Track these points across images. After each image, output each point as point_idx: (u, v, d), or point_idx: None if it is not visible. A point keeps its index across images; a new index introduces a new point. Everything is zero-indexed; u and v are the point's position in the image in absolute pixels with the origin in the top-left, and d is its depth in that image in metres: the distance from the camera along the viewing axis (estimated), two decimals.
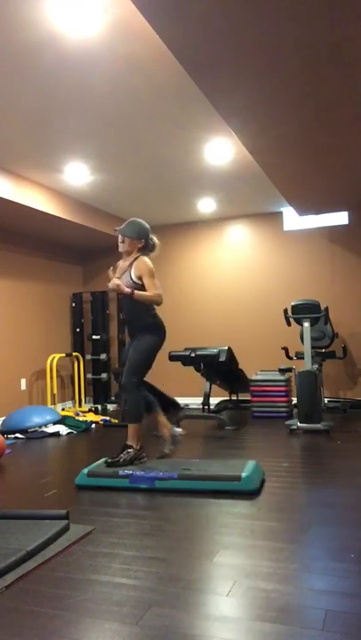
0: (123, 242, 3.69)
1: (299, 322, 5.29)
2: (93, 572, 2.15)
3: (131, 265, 3.64)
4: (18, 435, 5.28)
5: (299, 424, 4.89)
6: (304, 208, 5.81)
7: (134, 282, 3.59)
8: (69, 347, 7.40)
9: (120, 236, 3.69)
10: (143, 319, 3.69)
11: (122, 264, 3.77)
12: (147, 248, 3.74)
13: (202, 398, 6.36)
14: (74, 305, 7.42)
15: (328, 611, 1.78)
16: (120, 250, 3.73)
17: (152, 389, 6.53)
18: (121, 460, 3.53)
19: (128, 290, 3.53)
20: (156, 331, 3.71)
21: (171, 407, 6.80)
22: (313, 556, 2.23)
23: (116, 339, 7.37)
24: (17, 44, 2.79)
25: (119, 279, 3.63)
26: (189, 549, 2.34)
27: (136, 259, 3.65)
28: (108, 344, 7.42)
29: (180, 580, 2.04)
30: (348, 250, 6.45)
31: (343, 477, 3.39)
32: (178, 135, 4.13)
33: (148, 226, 3.74)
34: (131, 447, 3.61)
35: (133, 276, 3.60)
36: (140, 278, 3.59)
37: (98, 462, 3.61)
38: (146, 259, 3.65)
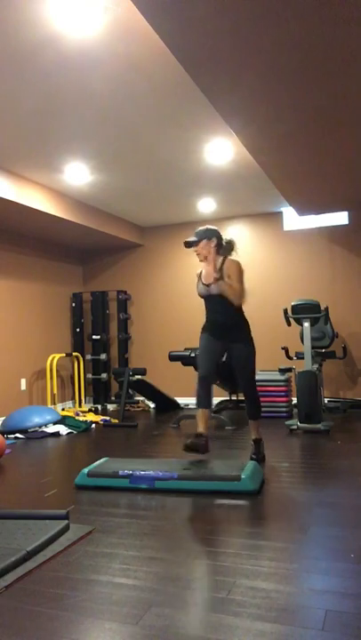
0: (195, 248, 3.76)
1: (299, 322, 5.29)
2: (93, 572, 2.15)
3: (221, 268, 3.70)
4: (18, 435, 5.28)
5: (299, 424, 4.89)
6: (304, 208, 5.81)
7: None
8: (69, 347, 7.40)
9: (195, 245, 3.74)
10: (243, 323, 3.88)
11: (208, 269, 3.77)
12: (224, 248, 3.79)
13: None
14: (74, 305, 7.42)
15: (328, 611, 1.78)
16: (200, 259, 3.78)
17: (152, 389, 6.55)
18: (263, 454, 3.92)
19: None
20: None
21: (171, 407, 6.81)
22: (313, 556, 2.23)
23: (116, 339, 7.37)
24: (17, 44, 2.79)
25: (208, 286, 3.74)
26: (189, 549, 2.34)
27: (225, 260, 3.72)
28: (108, 344, 7.42)
29: (180, 580, 2.04)
30: (349, 250, 6.45)
31: (343, 477, 3.39)
32: (178, 135, 4.13)
33: (215, 227, 3.82)
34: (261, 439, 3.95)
35: (226, 277, 3.69)
36: (230, 277, 3.69)
37: (98, 462, 3.61)
38: (234, 259, 3.75)
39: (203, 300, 3.86)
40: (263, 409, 5.88)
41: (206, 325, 3.87)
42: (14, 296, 6.30)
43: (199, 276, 3.86)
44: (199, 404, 3.75)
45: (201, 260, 3.79)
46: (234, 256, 3.81)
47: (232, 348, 3.81)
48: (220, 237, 3.78)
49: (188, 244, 3.75)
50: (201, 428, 3.65)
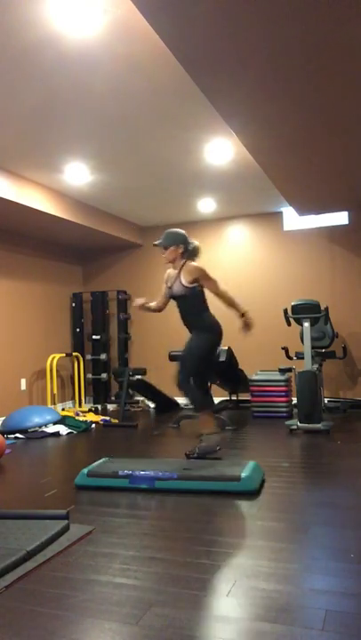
0: (164, 253, 3.97)
1: (299, 322, 5.29)
2: (93, 572, 2.15)
3: (180, 272, 3.92)
4: (18, 435, 5.28)
5: (299, 424, 4.89)
6: (304, 208, 5.81)
7: (185, 286, 3.88)
8: (69, 347, 7.40)
9: (161, 248, 3.97)
10: (202, 319, 3.97)
11: (171, 272, 4.05)
12: (189, 253, 3.99)
13: None
14: (74, 305, 7.42)
15: (328, 611, 1.78)
16: (165, 262, 4.01)
17: (152, 389, 6.55)
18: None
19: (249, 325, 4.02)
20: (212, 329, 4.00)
21: (171, 407, 6.81)
22: (313, 556, 2.23)
23: (116, 339, 7.37)
24: (17, 44, 2.79)
25: (170, 288, 3.98)
26: (189, 549, 2.34)
27: (184, 265, 3.91)
28: (108, 344, 7.42)
29: (180, 580, 2.04)
30: (349, 250, 6.45)
31: (343, 477, 3.39)
32: (178, 135, 4.13)
33: (182, 232, 3.99)
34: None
35: (184, 282, 3.88)
36: (192, 282, 3.87)
37: (98, 462, 3.61)
38: (193, 262, 3.94)
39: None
40: (263, 409, 5.90)
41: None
42: (14, 296, 6.30)
43: (166, 280, 4.06)
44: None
45: (167, 263, 4.03)
46: (197, 261, 4.01)
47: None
48: (186, 243, 3.97)
49: (156, 246, 3.99)
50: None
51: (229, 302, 3.92)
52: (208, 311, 3.99)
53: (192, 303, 3.93)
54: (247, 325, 4.00)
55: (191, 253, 3.99)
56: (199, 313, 3.95)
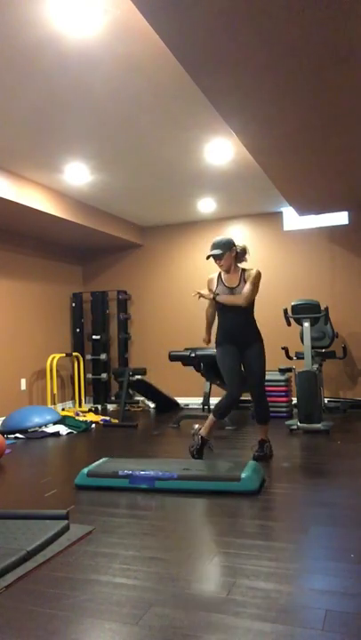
0: (220, 263, 3.91)
1: (299, 322, 5.29)
2: (93, 572, 2.15)
3: (241, 276, 3.92)
4: (18, 435, 5.28)
5: (299, 424, 4.89)
6: (304, 208, 5.81)
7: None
8: (69, 347, 7.40)
9: (219, 259, 3.90)
10: (256, 328, 4.00)
11: (224, 277, 3.98)
12: (239, 255, 4.00)
13: (202, 398, 6.37)
14: (74, 305, 7.42)
15: (328, 611, 1.78)
16: (223, 269, 3.95)
17: (152, 389, 6.55)
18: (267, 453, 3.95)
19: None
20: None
21: (171, 407, 6.81)
22: (313, 556, 2.23)
23: (116, 339, 7.37)
24: (17, 44, 2.79)
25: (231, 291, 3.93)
26: (189, 549, 2.34)
27: (244, 269, 3.95)
28: (108, 344, 7.42)
29: (180, 580, 2.04)
30: (349, 250, 6.45)
31: (343, 477, 3.39)
32: (178, 135, 4.13)
33: (229, 237, 3.96)
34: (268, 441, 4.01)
35: (248, 285, 3.88)
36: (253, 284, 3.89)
37: (98, 462, 3.61)
38: (254, 268, 3.97)
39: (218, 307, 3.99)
40: None
41: (221, 335, 3.98)
42: (14, 296, 6.30)
43: (218, 281, 3.97)
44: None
45: (224, 270, 3.96)
46: (247, 259, 4.05)
47: (246, 350, 3.92)
48: (235, 246, 3.96)
49: (214, 257, 3.92)
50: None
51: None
52: (255, 322, 4.02)
53: (250, 311, 3.94)
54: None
55: (241, 255, 3.99)
56: (254, 321, 3.98)
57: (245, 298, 3.84)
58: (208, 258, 3.92)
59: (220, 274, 4.00)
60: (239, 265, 3.99)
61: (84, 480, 3.38)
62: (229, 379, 3.82)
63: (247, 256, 4.04)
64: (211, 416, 3.82)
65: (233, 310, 3.89)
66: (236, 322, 3.90)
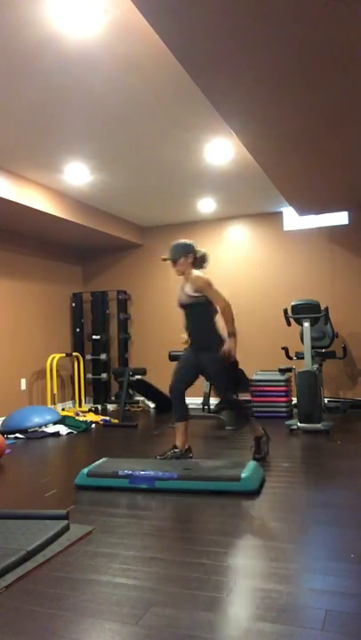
0: (175, 267, 3.94)
1: (299, 322, 5.29)
2: (93, 572, 2.15)
3: (187, 281, 3.89)
4: (18, 435, 5.28)
5: (299, 424, 4.89)
6: (304, 208, 5.81)
7: (189, 296, 3.85)
8: (69, 347, 7.40)
9: (171, 262, 3.93)
10: (205, 335, 3.90)
11: (183, 282, 3.98)
12: (198, 261, 3.97)
13: (202, 398, 6.37)
14: (74, 305, 7.42)
15: (328, 611, 1.78)
16: (178, 274, 3.97)
17: (152, 389, 6.55)
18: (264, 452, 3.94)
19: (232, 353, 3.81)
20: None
21: (171, 407, 6.81)
22: (313, 556, 2.23)
23: (116, 339, 7.37)
24: (17, 44, 2.79)
25: (180, 296, 3.93)
26: (189, 549, 2.34)
27: (190, 274, 3.89)
28: (108, 344, 7.42)
29: (180, 580, 2.04)
30: (349, 250, 6.45)
31: (343, 477, 3.39)
32: (178, 135, 4.13)
33: (189, 241, 3.97)
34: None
35: (189, 291, 3.84)
36: (196, 291, 3.82)
37: (98, 462, 3.61)
38: (197, 272, 3.89)
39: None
40: (263, 409, 5.90)
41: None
42: (14, 296, 6.30)
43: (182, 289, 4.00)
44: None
45: (178, 275, 3.97)
46: (206, 267, 4.03)
47: (200, 356, 3.92)
48: (195, 252, 3.95)
49: (166, 260, 3.97)
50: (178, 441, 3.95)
51: (228, 319, 3.78)
52: (214, 327, 3.87)
53: (196, 314, 3.85)
54: (229, 350, 3.76)
55: (200, 261, 3.98)
56: (204, 327, 3.86)
57: (222, 305, 3.80)
58: (164, 260, 3.97)
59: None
60: (196, 272, 3.88)
61: (83, 480, 3.38)
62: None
63: (206, 264, 4.01)
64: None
65: (187, 315, 3.94)
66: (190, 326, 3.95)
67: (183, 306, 3.92)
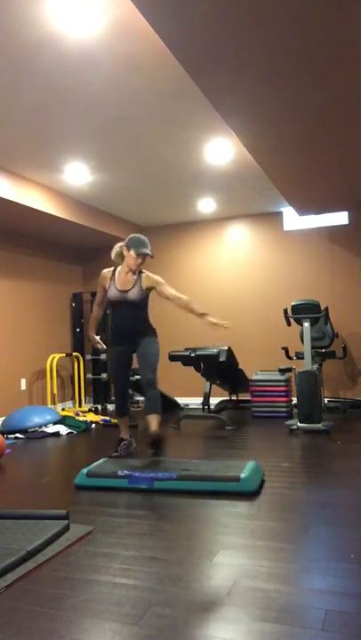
0: (145, 261, 4.05)
1: (299, 322, 5.29)
2: (93, 572, 2.15)
3: (139, 277, 4.05)
4: (18, 435, 5.28)
5: (299, 424, 4.89)
6: (304, 208, 5.81)
7: (143, 292, 4.05)
8: (69, 347, 7.40)
9: (148, 257, 4.05)
10: (148, 326, 4.19)
11: (123, 277, 4.06)
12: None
13: (202, 398, 6.37)
14: (74, 305, 7.42)
15: (328, 611, 1.78)
16: (139, 268, 4.06)
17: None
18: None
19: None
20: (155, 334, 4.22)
21: (171, 407, 6.81)
22: (313, 556, 2.23)
23: None
24: (17, 44, 2.79)
25: (126, 292, 4.03)
26: (189, 549, 2.34)
27: (141, 272, 4.07)
28: (108, 344, 7.41)
29: (180, 580, 2.04)
30: (349, 250, 6.45)
31: (343, 477, 3.39)
32: (178, 135, 4.13)
33: (137, 235, 4.08)
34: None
35: (144, 287, 4.05)
36: (148, 289, 4.05)
37: (98, 462, 3.61)
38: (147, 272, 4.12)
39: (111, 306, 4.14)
40: (263, 409, 5.90)
41: (112, 336, 4.23)
42: (14, 296, 6.30)
43: (112, 280, 4.07)
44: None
45: (132, 270, 4.03)
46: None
47: (139, 345, 4.13)
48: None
49: (144, 257, 4.02)
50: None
51: (185, 305, 4.04)
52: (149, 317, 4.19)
53: (144, 310, 4.12)
54: (217, 321, 3.97)
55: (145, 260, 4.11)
56: (148, 319, 4.19)
57: (185, 299, 4.07)
58: (144, 256, 3.99)
59: (113, 272, 4.09)
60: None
61: (83, 480, 3.38)
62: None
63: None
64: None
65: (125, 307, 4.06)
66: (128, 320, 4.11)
67: (128, 302, 4.02)
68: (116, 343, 4.19)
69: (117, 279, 4.05)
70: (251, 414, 6.01)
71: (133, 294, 4.00)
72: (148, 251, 4.01)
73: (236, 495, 3.09)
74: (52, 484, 3.51)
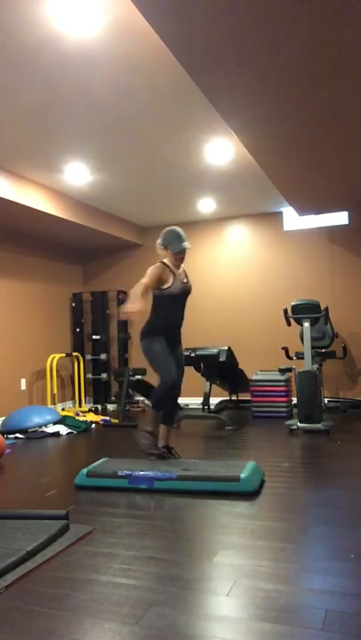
0: (184, 256, 3.91)
1: (299, 322, 5.29)
2: (93, 572, 2.15)
3: (184, 271, 3.98)
4: (18, 435, 5.28)
5: (299, 424, 4.89)
6: (304, 208, 5.81)
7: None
8: (69, 347, 7.40)
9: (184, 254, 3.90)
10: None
11: (176, 271, 3.90)
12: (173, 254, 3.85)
13: (202, 398, 6.36)
14: (74, 305, 7.42)
15: (328, 611, 1.78)
16: (179, 264, 3.92)
17: (152, 389, 6.52)
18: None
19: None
20: None
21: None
22: (313, 556, 2.23)
23: (116, 339, 7.37)
24: (17, 44, 2.79)
25: (187, 283, 3.93)
26: (189, 549, 2.34)
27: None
28: (108, 344, 7.42)
29: (180, 580, 2.04)
30: (348, 250, 6.45)
31: (343, 478, 3.39)
32: (178, 135, 4.13)
33: (172, 230, 3.86)
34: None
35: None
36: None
37: (98, 462, 3.61)
38: (157, 265, 3.80)
39: (160, 299, 3.83)
40: (263, 409, 5.90)
41: (162, 329, 3.82)
42: (14, 296, 6.30)
43: (173, 274, 3.82)
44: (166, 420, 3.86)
45: (177, 265, 3.88)
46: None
47: (176, 347, 3.92)
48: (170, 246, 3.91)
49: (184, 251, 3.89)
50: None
51: None
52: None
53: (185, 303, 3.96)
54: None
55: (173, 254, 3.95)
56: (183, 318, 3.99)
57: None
58: (184, 251, 3.81)
59: (167, 265, 3.82)
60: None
61: (83, 480, 3.38)
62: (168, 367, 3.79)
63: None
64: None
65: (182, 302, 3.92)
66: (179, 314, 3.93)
67: (185, 296, 3.91)
68: (166, 337, 3.81)
69: (175, 273, 3.86)
70: (251, 414, 6.01)
71: (188, 286, 3.95)
72: (185, 244, 3.80)
73: (236, 495, 3.09)
74: (52, 483, 3.51)
